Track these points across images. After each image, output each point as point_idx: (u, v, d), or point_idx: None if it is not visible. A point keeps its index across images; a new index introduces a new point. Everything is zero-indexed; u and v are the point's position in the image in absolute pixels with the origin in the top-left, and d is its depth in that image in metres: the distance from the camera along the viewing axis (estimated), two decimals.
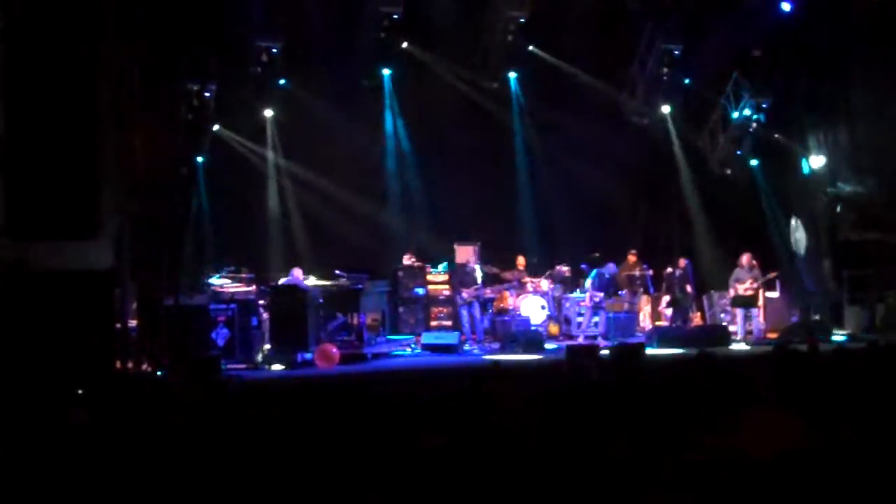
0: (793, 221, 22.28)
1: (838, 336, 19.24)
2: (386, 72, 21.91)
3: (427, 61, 22.09)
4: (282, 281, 18.50)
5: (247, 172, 21.62)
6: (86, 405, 9.75)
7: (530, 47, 22.19)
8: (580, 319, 20.20)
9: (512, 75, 22.53)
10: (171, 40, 16.55)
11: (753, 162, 23.15)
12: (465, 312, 19.90)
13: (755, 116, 22.19)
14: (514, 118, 23.02)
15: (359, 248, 21.52)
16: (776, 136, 22.76)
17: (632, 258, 21.57)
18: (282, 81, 20.88)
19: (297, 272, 18.56)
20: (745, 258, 20.07)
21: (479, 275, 19.82)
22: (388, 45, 21.22)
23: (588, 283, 20.08)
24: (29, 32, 13.50)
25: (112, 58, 14.16)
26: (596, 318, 19.82)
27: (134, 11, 14.89)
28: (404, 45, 21.68)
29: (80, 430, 7.62)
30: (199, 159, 20.70)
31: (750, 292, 19.76)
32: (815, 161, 22.13)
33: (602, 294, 19.74)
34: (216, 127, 20.81)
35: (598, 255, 20.52)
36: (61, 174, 13.35)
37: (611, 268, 19.92)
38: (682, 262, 20.71)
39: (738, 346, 18.55)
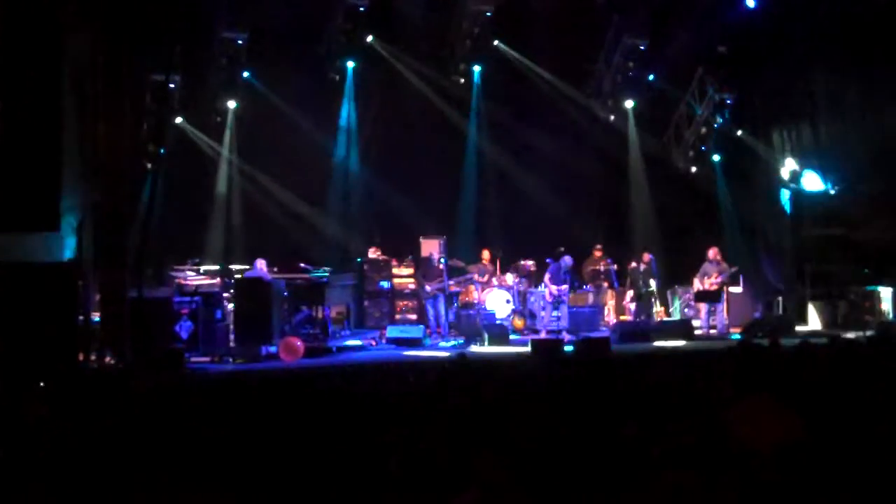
0: None
1: (801, 331, 19.39)
2: (350, 64, 21.85)
3: (392, 55, 22.08)
4: (246, 273, 18.41)
5: (211, 163, 21.55)
6: (46, 399, 9.66)
7: (496, 42, 22.22)
8: (544, 313, 20.27)
9: (476, 69, 22.53)
10: (136, 31, 16.41)
11: (717, 158, 23.27)
12: (429, 306, 19.88)
13: (719, 113, 22.35)
14: (478, 112, 23.03)
15: (323, 241, 21.52)
16: (739, 132, 22.91)
17: (597, 253, 21.69)
18: (246, 73, 20.81)
19: (262, 264, 18.47)
20: (711, 252, 20.19)
21: (443, 268, 19.80)
22: (352, 39, 21.19)
23: (546, 277, 20.13)
24: None
25: (76, 48, 14.03)
26: (556, 313, 19.84)
27: (98, 1, 14.77)
28: (369, 38, 21.65)
29: (38, 425, 7.54)
30: (162, 150, 20.58)
31: (716, 286, 19.88)
32: (787, 166, 22.30)
33: (559, 288, 19.77)
34: (179, 119, 20.75)
35: (562, 249, 20.57)
36: (23, 165, 13.22)
37: (566, 261, 19.90)
38: (647, 256, 20.80)
39: (702, 341, 18.64)
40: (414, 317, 20.55)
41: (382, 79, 22.20)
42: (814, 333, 18.25)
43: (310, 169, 21.86)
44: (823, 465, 4.93)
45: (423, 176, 22.08)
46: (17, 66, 13.36)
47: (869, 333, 15.48)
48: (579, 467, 5.20)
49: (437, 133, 22.64)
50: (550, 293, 19.78)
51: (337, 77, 21.78)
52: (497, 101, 22.90)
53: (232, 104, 21.24)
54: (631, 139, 23.46)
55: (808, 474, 4.78)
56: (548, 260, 20.55)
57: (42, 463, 6.27)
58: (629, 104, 22.92)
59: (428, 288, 19.65)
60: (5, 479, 5.98)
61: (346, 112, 22.39)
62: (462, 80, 22.49)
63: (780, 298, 21.68)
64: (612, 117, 23.14)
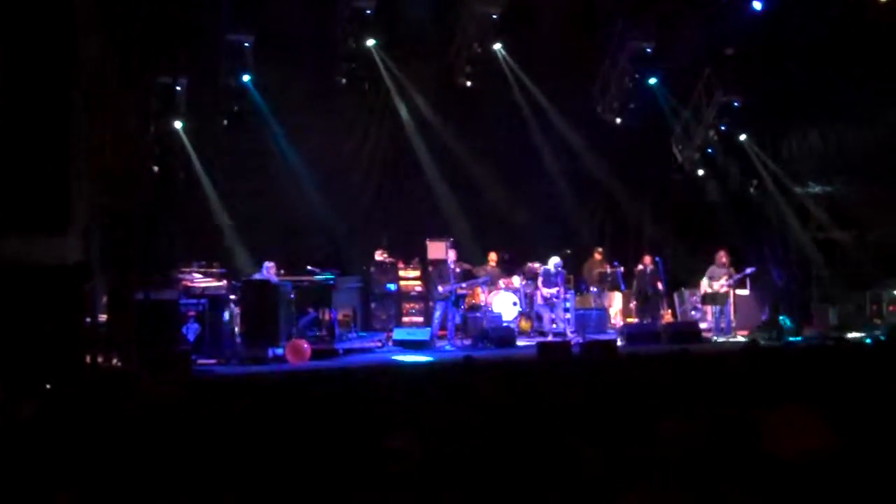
0: None
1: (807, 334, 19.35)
2: (354, 66, 21.85)
3: (396, 57, 22.09)
4: (254, 276, 18.42)
5: (217, 166, 21.57)
6: (39, 399, 9.64)
7: (500, 44, 22.18)
8: (552, 315, 20.28)
9: (481, 71, 22.49)
10: (143, 34, 16.43)
11: (723, 159, 23.24)
12: (438, 308, 19.63)
13: (725, 115, 22.30)
14: (483, 116, 23.03)
15: (331, 244, 21.54)
16: (745, 134, 22.87)
17: (597, 256, 21.69)
18: (252, 76, 20.80)
19: (270, 267, 18.49)
20: (722, 255, 20.18)
21: (459, 271, 19.75)
22: (358, 43, 21.20)
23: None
24: (0, 26, 13.37)
25: (85, 51, 14.04)
26: (552, 315, 19.92)
27: (107, 5, 14.78)
28: (373, 42, 21.61)
29: (26, 425, 7.50)
30: (169, 152, 20.64)
31: (725, 289, 19.87)
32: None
33: (550, 290, 19.81)
34: (185, 121, 20.76)
35: (569, 252, 20.57)
36: (32, 167, 13.23)
37: (555, 263, 19.97)
38: (653, 259, 20.78)
39: (709, 344, 18.62)
40: (420, 319, 20.55)
41: (387, 81, 22.20)
42: (821, 335, 18.23)
43: (316, 172, 21.87)
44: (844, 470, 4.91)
45: (429, 179, 22.12)
46: (25, 68, 13.38)
47: (878, 334, 15.49)
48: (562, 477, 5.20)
49: (442, 137, 22.63)
50: (542, 296, 19.88)
51: (343, 80, 21.76)
52: (502, 102, 22.89)
53: (237, 107, 21.25)
54: (642, 141, 23.42)
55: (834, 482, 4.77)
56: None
57: (35, 463, 6.25)
58: (636, 106, 22.84)
59: (441, 289, 19.44)
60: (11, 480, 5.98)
61: (350, 114, 22.44)
62: (468, 83, 22.47)
63: (786, 301, 21.63)
64: (618, 119, 23.08)
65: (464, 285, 19.83)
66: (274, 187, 21.66)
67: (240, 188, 21.66)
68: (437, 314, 19.47)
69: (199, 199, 21.26)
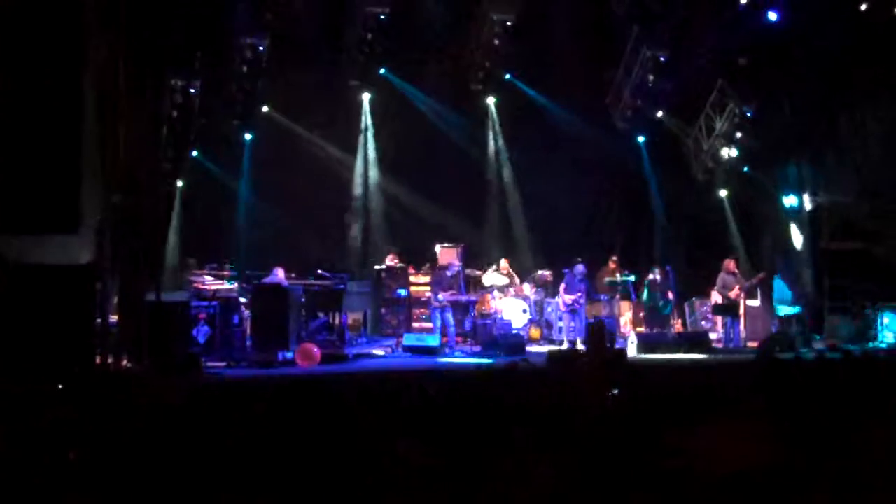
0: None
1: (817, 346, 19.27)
2: (369, 73, 21.92)
3: (411, 65, 22.12)
4: (264, 280, 18.43)
5: (231, 170, 21.64)
6: (66, 401, 9.67)
7: (515, 52, 22.15)
8: (561, 324, 20.24)
9: (495, 79, 22.51)
10: (157, 36, 16.46)
11: (737, 169, 23.17)
12: (436, 315, 19.59)
13: (738, 125, 22.24)
14: (497, 123, 23.04)
15: (342, 249, 21.56)
16: (758, 144, 22.81)
17: (612, 265, 21.64)
18: (267, 79, 20.83)
19: (280, 272, 18.50)
20: (731, 264, 20.17)
21: (461, 278, 19.73)
22: (372, 49, 21.23)
23: (561, 287, 20.16)
24: (13, 26, 13.41)
25: (97, 52, 14.07)
26: (573, 323, 19.90)
27: (119, 6, 14.80)
28: (389, 45, 21.65)
29: (56, 426, 7.52)
30: (182, 155, 20.75)
31: (739, 298, 19.85)
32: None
33: (573, 297, 19.81)
34: (196, 124, 20.83)
35: (580, 260, 20.55)
36: (44, 167, 13.26)
37: (579, 269, 19.98)
38: (664, 269, 20.75)
39: (719, 354, 18.56)
40: (430, 325, 20.48)
41: (402, 89, 22.25)
42: (831, 347, 18.15)
43: (329, 176, 21.94)
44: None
45: (442, 185, 22.15)
46: (39, 68, 13.41)
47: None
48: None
49: (456, 143, 22.66)
50: (564, 303, 19.86)
51: (357, 83, 21.79)
52: (516, 111, 22.91)
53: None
54: (655, 151, 23.39)
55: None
56: (564, 270, 20.53)
57: (61, 465, 6.27)
58: (650, 115, 22.81)
59: (441, 297, 19.41)
60: (22, 480, 5.98)
61: (366, 121, 22.47)
62: (480, 87, 22.48)
63: (797, 312, 21.56)
64: (632, 128, 23.05)
65: (470, 294, 19.84)
66: (287, 190, 21.70)
67: (253, 191, 21.73)
68: (437, 322, 19.36)
69: (212, 201, 21.31)
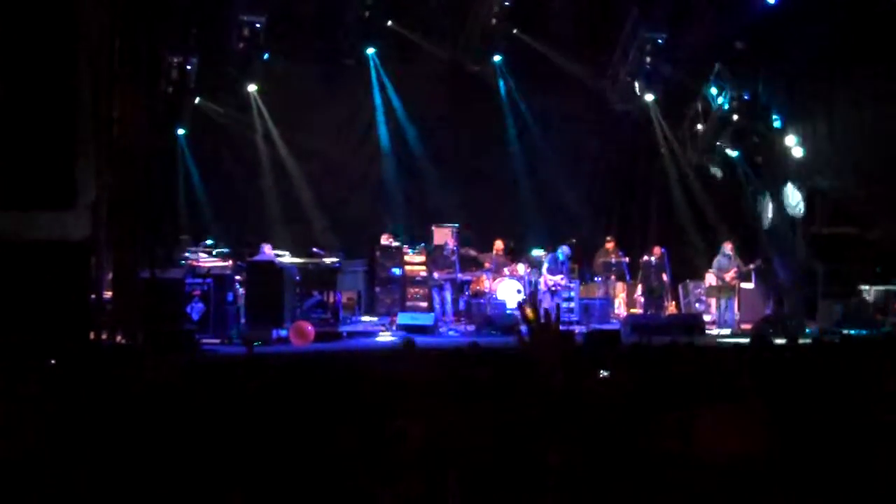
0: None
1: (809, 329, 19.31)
2: (370, 50, 21.87)
3: (410, 41, 22.04)
4: (253, 257, 18.45)
5: (225, 146, 21.61)
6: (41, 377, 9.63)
7: (514, 31, 22.11)
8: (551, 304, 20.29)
9: (496, 59, 22.48)
10: (152, 12, 16.40)
11: (733, 153, 23.17)
12: (435, 294, 19.81)
13: (735, 108, 22.22)
14: (494, 102, 23.01)
15: (336, 227, 21.57)
16: (754, 128, 22.80)
17: (609, 245, 21.65)
18: (264, 56, 20.76)
19: (267, 247, 18.52)
20: (728, 246, 20.22)
21: (454, 259, 19.80)
22: (371, 23, 21.17)
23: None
24: (6, 2, 13.35)
25: (92, 27, 14.01)
26: (551, 303, 19.94)
27: None
28: (388, 23, 21.61)
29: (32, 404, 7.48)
30: (181, 131, 20.74)
31: (733, 280, 19.91)
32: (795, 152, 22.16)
33: (553, 278, 19.87)
34: (197, 100, 20.78)
35: (574, 241, 20.56)
36: (40, 143, 13.23)
37: (564, 250, 20.03)
38: (658, 250, 20.79)
39: (713, 337, 18.59)
40: (425, 304, 20.52)
41: (399, 66, 22.20)
42: (825, 331, 18.20)
43: (324, 153, 21.92)
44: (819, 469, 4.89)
45: (437, 164, 22.15)
46: (32, 43, 13.35)
47: (885, 331, 15.48)
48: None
49: (452, 121, 22.63)
50: (545, 283, 19.88)
51: (354, 62, 21.75)
52: (514, 90, 22.88)
53: (251, 87, 21.29)
54: (652, 132, 23.39)
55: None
56: (549, 252, 20.65)
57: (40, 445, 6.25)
58: (648, 97, 22.79)
59: (436, 275, 19.58)
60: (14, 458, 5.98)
61: (378, 97, 22.45)
62: (477, 68, 22.44)
63: (790, 296, 21.61)
64: (629, 110, 23.05)
65: (465, 273, 19.93)
66: (281, 168, 21.70)
67: (248, 169, 21.71)
68: (437, 300, 19.56)
69: (207, 177, 21.30)
